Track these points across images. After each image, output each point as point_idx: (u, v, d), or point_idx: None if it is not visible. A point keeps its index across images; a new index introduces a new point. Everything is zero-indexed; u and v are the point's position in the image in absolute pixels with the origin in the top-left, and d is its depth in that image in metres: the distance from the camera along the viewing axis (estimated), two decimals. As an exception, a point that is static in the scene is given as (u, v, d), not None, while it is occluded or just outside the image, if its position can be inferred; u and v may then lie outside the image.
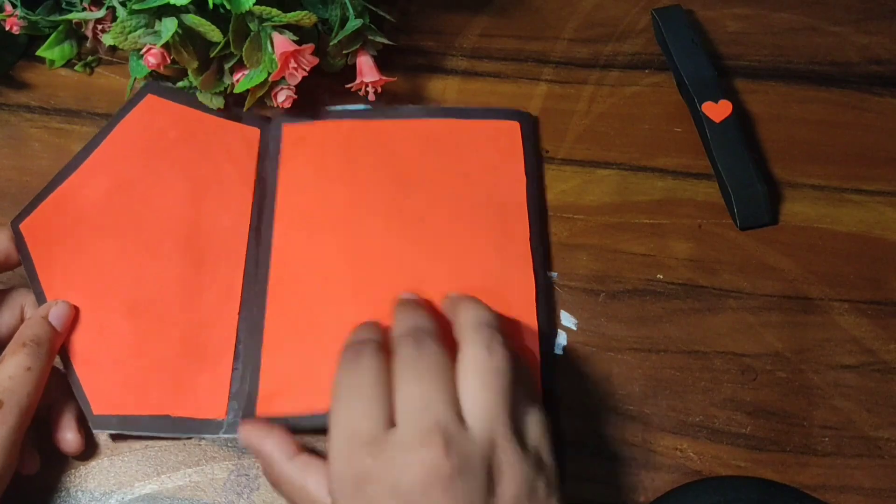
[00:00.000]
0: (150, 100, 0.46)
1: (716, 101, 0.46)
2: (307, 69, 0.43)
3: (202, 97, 0.46)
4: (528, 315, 0.41)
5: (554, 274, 0.44)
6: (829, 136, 0.48)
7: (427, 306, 0.37)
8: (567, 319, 0.43)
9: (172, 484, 0.38)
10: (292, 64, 0.42)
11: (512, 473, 0.29)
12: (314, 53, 0.43)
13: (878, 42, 0.52)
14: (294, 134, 0.46)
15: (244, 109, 0.46)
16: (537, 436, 0.32)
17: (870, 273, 0.44)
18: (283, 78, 0.43)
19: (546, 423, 0.33)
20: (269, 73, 0.43)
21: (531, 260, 0.43)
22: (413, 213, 0.44)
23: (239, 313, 0.41)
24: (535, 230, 0.44)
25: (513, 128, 0.47)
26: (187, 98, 0.46)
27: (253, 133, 0.46)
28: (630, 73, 0.51)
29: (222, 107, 0.46)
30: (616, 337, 0.42)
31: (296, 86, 0.44)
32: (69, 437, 0.38)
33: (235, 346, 0.41)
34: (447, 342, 0.33)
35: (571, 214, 0.46)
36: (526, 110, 0.48)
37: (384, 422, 0.30)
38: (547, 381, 0.40)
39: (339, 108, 0.47)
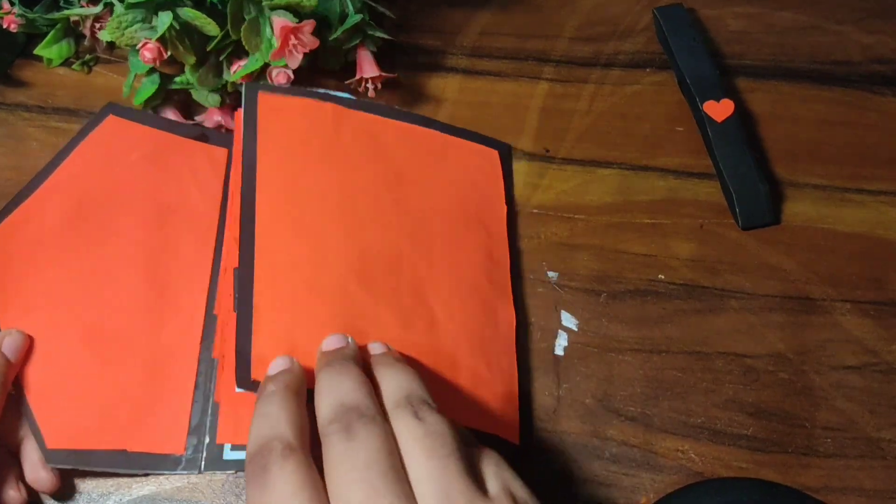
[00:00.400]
0: (112, 120, 0.44)
1: (717, 101, 0.46)
2: (307, 48, 0.42)
3: (198, 95, 0.45)
4: (507, 340, 0.41)
5: (554, 274, 0.44)
6: (831, 135, 0.48)
7: (354, 359, 0.33)
8: (568, 320, 0.42)
9: (170, 485, 0.38)
10: (292, 41, 0.41)
11: None
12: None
13: (881, 41, 0.52)
14: (271, 104, 0.43)
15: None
16: (499, 478, 0.29)
17: (872, 273, 0.44)
18: (282, 61, 0.43)
19: (503, 460, 0.30)
20: (266, 63, 0.43)
21: (510, 288, 0.43)
22: (407, 210, 0.43)
23: (201, 343, 0.40)
24: (513, 262, 0.44)
25: (493, 155, 0.47)
26: (151, 119, 0.45)
27: (220, 153, 0.45)
28: (631, 71, 0.50)
29: (218, 105, 0.46)
30: (617, 337, 0.42)
31: (294, 71, 0.43)
32: (43, 475, 0.36)
33: (196, 379, 0.39)
34: (381, 409, 0.30)
35: (572, 214, 0.45)
36: (507, 140, 0.48)
37: None
38: (523, 399, 0.40)
39: (321, 90, 0.46)
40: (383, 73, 0.45)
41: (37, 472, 0.36)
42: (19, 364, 0.37)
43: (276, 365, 0.33)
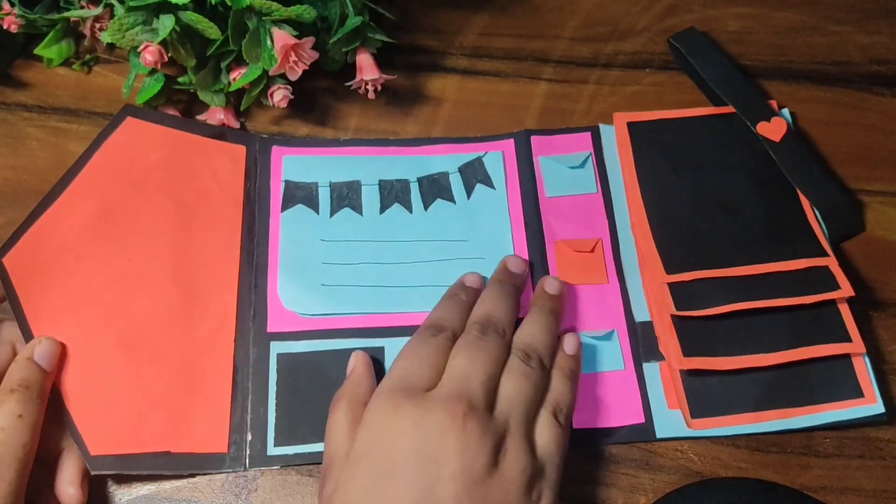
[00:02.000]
0: (130, 122, 0.44)
1: (768, 121, 0.45)
2: (307, 63, 0.42)
3: (203, 95, 0.46)
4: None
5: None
6: (831, 136, 0.48)
7: (519, 289, 0.40)
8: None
9: (170, 485, 0.38)
10: (292, 57, 0.42)
11: (514, 461, 0.33)
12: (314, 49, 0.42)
13: (880, 42, 0.52)
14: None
15: (241, 108, 0.46)
16: (548, 450, 0.35)
17: (872, 274, 0.44)
18: (282, 75, 0.43)
19: (563, 445, 0.35)
20: (265, 69, 0.43)
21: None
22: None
23: (235, 341, 0.40)
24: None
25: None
26: (168, 119, 0.45)
27: (239, 150, 0.45)
28: (631, 72, 0.50)
29: (224, 105, 0.46)
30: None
31: (294, 84, 0.44)
32: (71, 491, 0.36)
33: (234, 377, 0.40)
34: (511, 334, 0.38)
35: (572, 214, 0.45)
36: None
37: (429, 384, 0.35)
38: None
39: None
40: (384, 75, 0.45)
41: (68, 487, 0.36)
42: (54, 372, 0.37)
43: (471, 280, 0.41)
